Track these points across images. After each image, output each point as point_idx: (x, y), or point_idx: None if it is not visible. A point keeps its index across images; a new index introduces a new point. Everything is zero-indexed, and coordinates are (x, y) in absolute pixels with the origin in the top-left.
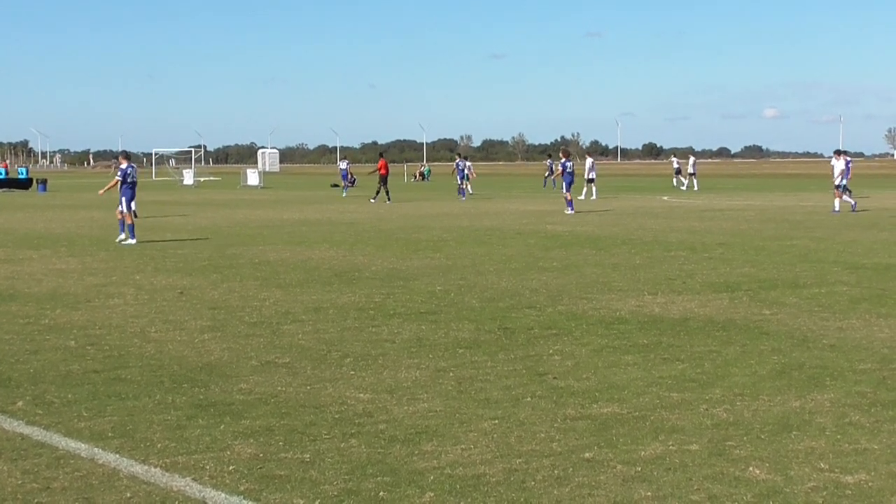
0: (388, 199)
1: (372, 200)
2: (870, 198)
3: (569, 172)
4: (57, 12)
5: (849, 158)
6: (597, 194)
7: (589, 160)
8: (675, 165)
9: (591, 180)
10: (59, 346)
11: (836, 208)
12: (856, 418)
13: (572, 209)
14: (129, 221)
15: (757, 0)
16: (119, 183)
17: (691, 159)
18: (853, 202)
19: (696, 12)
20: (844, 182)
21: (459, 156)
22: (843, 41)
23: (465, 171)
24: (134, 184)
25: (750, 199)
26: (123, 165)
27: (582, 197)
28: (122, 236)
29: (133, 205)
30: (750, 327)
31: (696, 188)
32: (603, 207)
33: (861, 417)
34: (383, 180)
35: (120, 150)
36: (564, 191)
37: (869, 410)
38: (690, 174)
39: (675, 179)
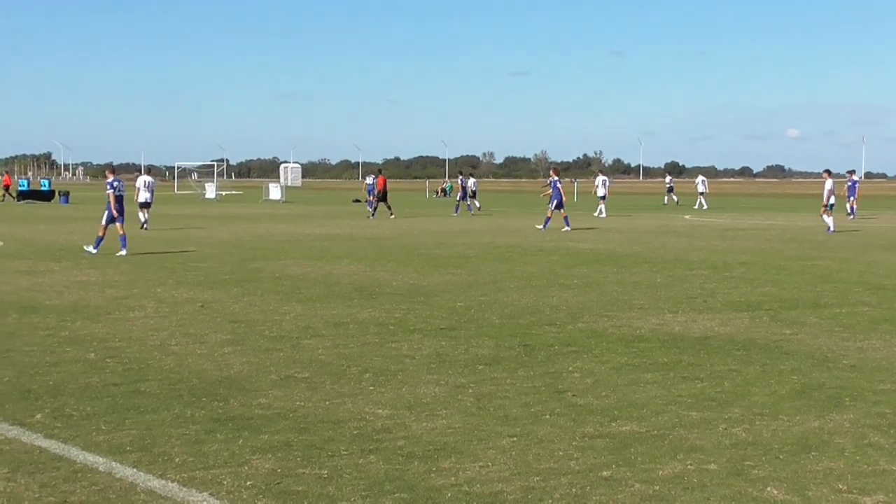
0: (391, 214)
1: (371, 218)
2: (877, 218)
3: (557, 189)
4: (80, 26)
5: (855, 178)
6: (606, 212)
7: (600, 178)
8: (669, 184)
9: (602, 197)
10: (79, 359)
11: (831, 228)
12: (875, 439)
13: (568, 226)
14: (100, 234)
15: (779, 20)
16: (113, 197)
17: (668, 177)
18: (832, 226)
19: (719, 32)
20: (832, 202)
21: (461, 173)
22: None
23: (472, 189)
24: (121, 197)
25: (772, 219)
26: (110, 179)
27: (596, 214)
28: (123, 252)
29: (143, 215)
30: (770, 347)
31: (665, 202)
32: (609, 226)
33: (881, 438)
34: (382, 196)
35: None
36: (553, 208)
37: (888, 431)
38: (700, 193)
39: (665, 197)
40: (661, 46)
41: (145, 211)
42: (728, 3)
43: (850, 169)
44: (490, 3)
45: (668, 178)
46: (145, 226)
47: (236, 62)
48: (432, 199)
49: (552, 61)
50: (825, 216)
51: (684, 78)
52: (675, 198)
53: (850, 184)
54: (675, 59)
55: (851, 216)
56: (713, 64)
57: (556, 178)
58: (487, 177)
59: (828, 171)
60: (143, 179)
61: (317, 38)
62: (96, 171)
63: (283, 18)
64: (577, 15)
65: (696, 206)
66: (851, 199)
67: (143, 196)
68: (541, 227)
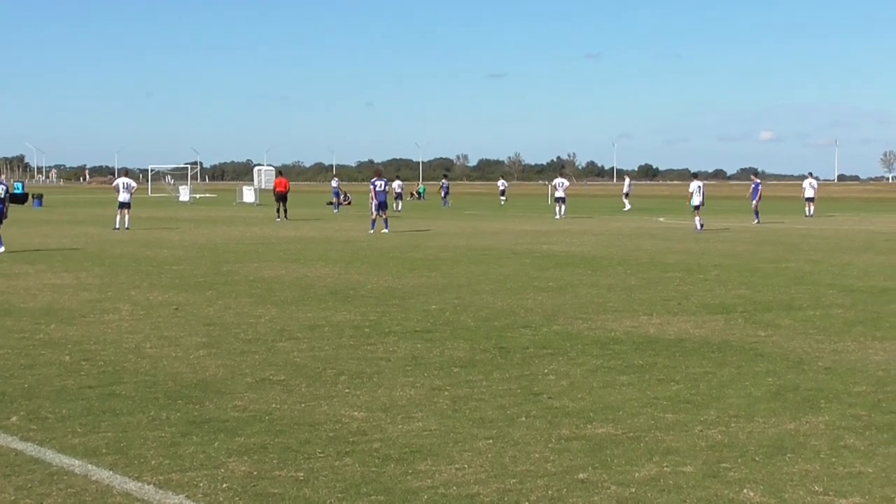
0: (286, 217)
1: (277, 219)
2: (835, 219)
3: (378, 192)
4: (55, 27)
5: (758, 181)
6: (565, 214)
7: (559, 180)
8: (627, 189)
9: (560, 199)
10: (54, 362)
11: (698, 227)
12: (850, 441)
13: (386, 229)
14: None
15: (754, 23)
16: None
17: (627, 180)
18: (700, 224)
19: (694, 35)
20: (698, 202)
21: (446, 176)
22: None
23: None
24: (2, 200)
25: (746, 221)
26: None
27: (558, 216)
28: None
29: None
30: (745, 349)
31: (627, 207)
32: (582, 228)
33: (856, 440)
34: (281, 197)
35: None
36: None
37: (864, 433)
38: (625, 194)
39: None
40: (636, 49)
41: (125, 212)
42: (703, 6)
43: (754, 170)
44: (467, 6)
45: (626, 181)
46: (127, 227)
47: (211, 64)
48: (406, 202)
49: (528, 64)
50: (698, 217)
51: (659, 80)
52: (627, 204)
53: (753, 186)
54: (651, 61)
55: (757, 220)
56: (688, 66)
57: (378, 178)
58: (461, 179)
59: (695, 175)
60: (122, 181)
61: (292, 40)
62: (70, 174)
63: (258, 20)
64: (554, 18)
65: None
66: (754, 201)
67: (123, 197)
68: (385, 230)
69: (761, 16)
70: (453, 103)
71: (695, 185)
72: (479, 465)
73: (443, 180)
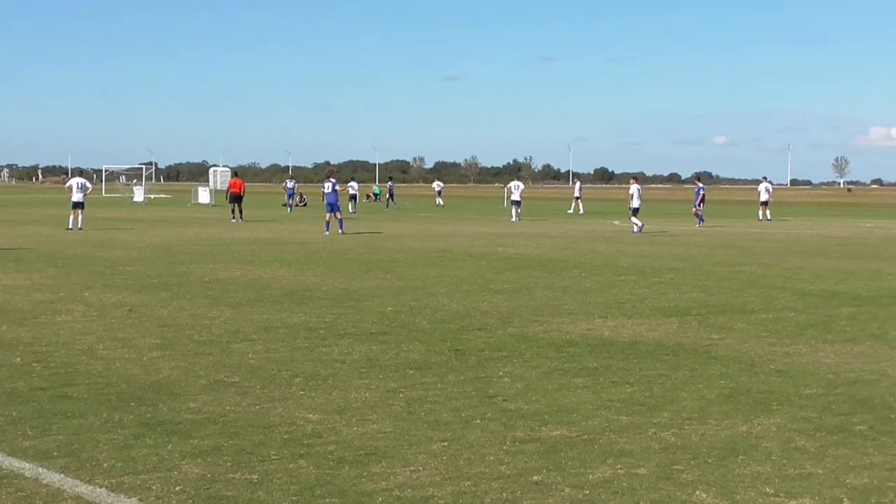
0: (242, 219)
1: (232, 221)
2: (788, 223)
3: (327, 193)
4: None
5: (700, 185)
6: (519, 217)
7: (515, 183)
8: (577, 193)
9: (516, 202)
10: (5, 363)
11: (636, 230)
12: (801, 443)
13: (341, 230)
14: None
15: (709, 27)
16: None
17: (577, 184)
18: (639, 225)
19: (649, 38)
20: (637, 205)
21: (391, 178)
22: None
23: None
24: None
25: (689, 225)
26: None
27: (514, 219)
28: None
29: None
30: (699, 352)
31: (581, 211)
32: (538, 231)
33: (806, 442)
34: (236, 198)
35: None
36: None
37: (814, 435)
38: (576, 198)
39: (572, 205)
40: (592, 52)
41: (79, 212)
42: (659, 9)
43: (697, 174)
44: (422, 8)
45: (577, 185)
46: (80, 227)
47: (167, 64)
48: (361, 203)
49: (484, 66)
50: (635, 219)
51: (615, 84)
52: (580, 208)
53: (696, 190)
54: (606, 65)
55: (700, 224)
56: (643, 70)
57: (328, 179)
58: (417, 181)
59: (634, 177)
60: (77, 181)
61: (248, 41)
62: (22, 174)
63: (214, 21)
64: (510, 20)
65: (570, 211)
66: (699, 206)
67: (77, 197)
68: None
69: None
70: (409, 105)
71: (634, 188)
72: (434, 468)
73: (388, 182)
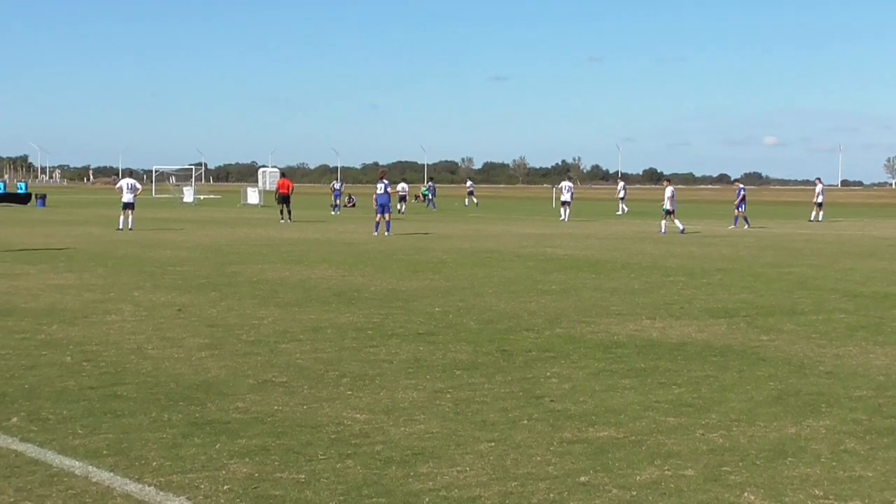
0: (290, 219)
1: (281, 221)
2: (839, 224)
3: (379, 194)
4: (61, 27)
5: (742, 187)
6: (568, 217)
7: (565, 183)
8: (621, 192)
9: (565, 202)
10: (56, 362)
11: (663, 231)
12: (851, 445)
13: (388, 232)
14: None
15: (758, 27)
16: None
17: (621, 183)
18: (681, 226)
19: (697, 38)
20: (671, 207)
21: (432, 179)
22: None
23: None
24: None
25: (748, 226)
26: None
27: (563, 218)
28: None
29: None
30: (747, 353)
31: (625, 210)
32: (586, 232)
33: (856, 445)
34: (284, 199)
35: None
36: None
37: (864, 438)
38: (620, 198)
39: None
40: (639, 52)
41: (129, 212)
42: (707, 9)
43: (737, 178)
44: (471, 9)
45: (620, 185)
46: (130, 227)
47: (216, 65)
48: (410, 204)
49: (532, 66)
50: (665, 221)
51: (663, 84)
52: (624, 207)
53: (738, 190)
54: (654, 64)
55: (733, 226)
56: (692, 70)
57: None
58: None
59: (667, 180)
60: (127, 182)
61: (297, 41)
62: (73, 174)
63: (263, 22)
64: (557, 20)
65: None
66: (740, 207)
67: (127, 197)
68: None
69: (765, 20)
70: (457, 106)
71: (669, 190)
72: (481, 468)
73: (429, 183)
